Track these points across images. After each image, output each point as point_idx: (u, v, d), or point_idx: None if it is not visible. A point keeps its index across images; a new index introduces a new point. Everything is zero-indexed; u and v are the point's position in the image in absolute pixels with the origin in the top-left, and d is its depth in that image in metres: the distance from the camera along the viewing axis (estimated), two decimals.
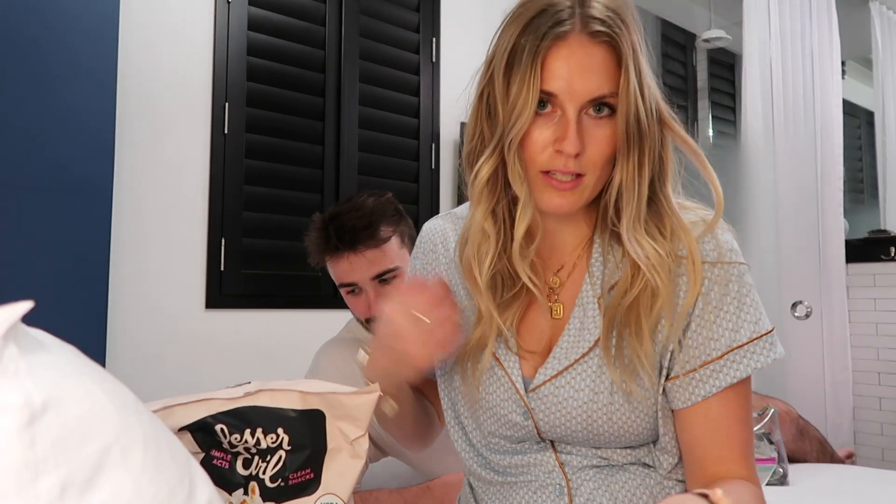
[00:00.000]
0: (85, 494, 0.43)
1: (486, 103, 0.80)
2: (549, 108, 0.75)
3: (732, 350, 0.77)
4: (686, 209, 0.82)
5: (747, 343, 0.77)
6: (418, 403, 0.97)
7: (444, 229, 0.96)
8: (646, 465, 0.83)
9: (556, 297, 0.86)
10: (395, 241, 1.43)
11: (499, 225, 0.81)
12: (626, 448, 0.83)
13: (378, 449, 1.49)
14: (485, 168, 0.78)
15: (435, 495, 1.32)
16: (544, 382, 0.82)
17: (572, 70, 0.73)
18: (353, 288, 1.44)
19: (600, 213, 0.83)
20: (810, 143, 3.02)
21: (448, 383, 0.93)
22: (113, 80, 1.74)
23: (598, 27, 0.73)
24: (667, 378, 0.79)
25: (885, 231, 3.38)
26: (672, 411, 0.81)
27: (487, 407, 0.86)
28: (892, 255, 3.04)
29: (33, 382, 0.43)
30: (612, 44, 0.74)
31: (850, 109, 3.81)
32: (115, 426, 0.47)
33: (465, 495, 0.98)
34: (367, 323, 1.46)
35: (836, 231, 3.03)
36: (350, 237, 1.40)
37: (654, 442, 0.83)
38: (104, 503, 0.44)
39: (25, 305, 0.45)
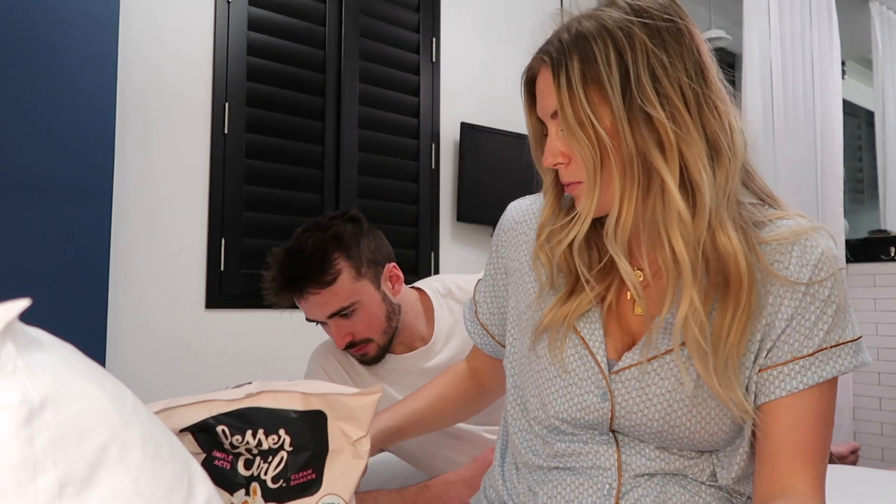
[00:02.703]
0: (83, 492, 0.43)
1: None
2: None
3: (822, 350, 0.79)
4: (785, 217, 0.83)
5: (835, 346, 0.79)
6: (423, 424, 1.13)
7: (529, 208, 0.98)
8: (702, 482, 0.83)
9: (637, 294, 0.85)
10: (346, 276, 1.35)
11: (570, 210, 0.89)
12: (694, 451, 0.82)
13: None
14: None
15: (434, 494, 1.32)
16: (630, 366, 0.82)
17: (539, 94, 0.84)
18: (316, 322, 1.43)
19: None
20: (810, 143, 3.02)
21: (518, 358, 0.94)
22: (113, 79, 1.74)
23: (544, 55, 0.81)
24: (759, 370, 0.80)
25: (885, 231, 3.38)
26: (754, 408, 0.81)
27: (563, 385, 0.86)
28: (892, 255, 3.04)
29: (31, 380, 0.43)
30: (552, 66, 0.80)
31: (850, 109, 3.81)
32: (114, 424, 0.47)
33: (493, 478, 0.98)
34: (345, 350, 1.45)
35: (836, 231, 3.03)
36: (298, 286, 1.35)
37: (721, 450, 0.83)
38: (102, 501, 0.44)
39: (23, 303, 0.45)
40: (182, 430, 0.85)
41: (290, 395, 0.87)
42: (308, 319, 1.44)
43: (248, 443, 0.85)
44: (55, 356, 0.48)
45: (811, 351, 0.78)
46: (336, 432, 0.86)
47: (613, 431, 0.85)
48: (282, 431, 0.85)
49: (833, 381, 0.79)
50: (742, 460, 0.82)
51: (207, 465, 0.86)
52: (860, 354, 0.80)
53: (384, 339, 1.43)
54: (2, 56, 1.56)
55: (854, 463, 2.27)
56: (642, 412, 0.81)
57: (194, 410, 0.86)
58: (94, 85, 1.70)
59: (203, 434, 0.86)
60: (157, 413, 0.84)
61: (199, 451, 0.86)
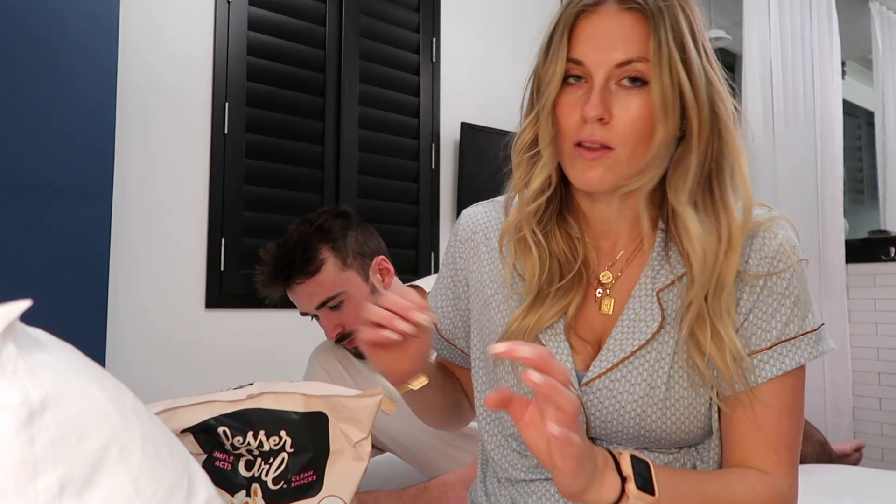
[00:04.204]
0: (83, 493, 0.43)
1: (534, 79, 0.83)
2: (581, 80, 0.77)
3: (781, 343, 0.78)
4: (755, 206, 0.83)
5: (794, 337, 0.78)
6: (446, 383, 0.99)
7: (485, 216, 0.95)
8: None
9: (606, 291, 0.84)
10: (331, 266, 1.40)
11: (542, 187, 0.83)
12: (671, 448, 0.82)
13: (375, 447, 1.49)
14: (525, 133, 0.82)
15: (433, 495, 1.32)
16: (599, 375, 0.81)
17: (598, 37, 0.76)
18: (310, 315, 1.46)
19: (658, 203, 0.83)
20: (810, 143, 3.01)
21: (486, 373, 0.91)
22: (113, 79, 1.74)
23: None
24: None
25: (885, 231, 3.38)
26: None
27: None
28: (892, 255, 3.04)
29: (32, 381, 0.43)
30: (643, 12, 0.75)
31: (850, 109, 3.80)
32: (114, 425, 0.47)
33: (476, 492, 0.96)
34: (337, 343, 1.47)
35: (836, 231, 3.03)
36: (284, 276, 1.40)
37: (699, 444, 0.83)
38: (103, 502, 0.44)
39: (23, 304, 0.45)
40: (183, 431, 0.85)
41: (292, 396, 0.87)
42: (301, 314, 1.46)
43: (249, 444, 0.85)
44: (56, 357, 0.48)
45: (769, 344, 0.78)
46: (337, 434, 0.86)
47: (592, 438, 0.84)
48: (283, 433, 0.85)
49: (798, 371, 0.79)
50: (720, 452, 0.82)
51: (208, 465, 0.86)
52: (822, 343, 0.79)
53: None
54: (2, 56, 1.56)
55: (858, 461, 2.27)
56: (616, 420, 0.80)
57: (195, 411, 0.86)
58: (94, 85, 1.70)
59: (204, 435, 0.86)
60: (158, 414, 0.84)
61: (201, 451, 0.86)
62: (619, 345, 0.81)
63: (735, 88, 0.81)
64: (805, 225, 2.99)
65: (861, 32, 3.69)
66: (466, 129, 2.78)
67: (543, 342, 0.84)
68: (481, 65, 2.93)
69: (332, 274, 1.40)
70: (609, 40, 0.75)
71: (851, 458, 2.24)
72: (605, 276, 0.85)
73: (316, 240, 1.41)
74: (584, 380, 0.81)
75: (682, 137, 0.77)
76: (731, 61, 4.10)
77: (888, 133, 3.64)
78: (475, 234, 0.94)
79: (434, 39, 2.80)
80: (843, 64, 3.33)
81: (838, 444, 2.25)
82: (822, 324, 0.81)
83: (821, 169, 3.03)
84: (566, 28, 0.77)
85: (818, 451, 2.11)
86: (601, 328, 0.83)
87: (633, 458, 0.70)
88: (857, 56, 4.02)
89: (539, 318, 0.83)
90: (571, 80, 0.78)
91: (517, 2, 3.06)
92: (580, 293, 0.84)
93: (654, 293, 0.81)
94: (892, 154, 3.63)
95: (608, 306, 0.84)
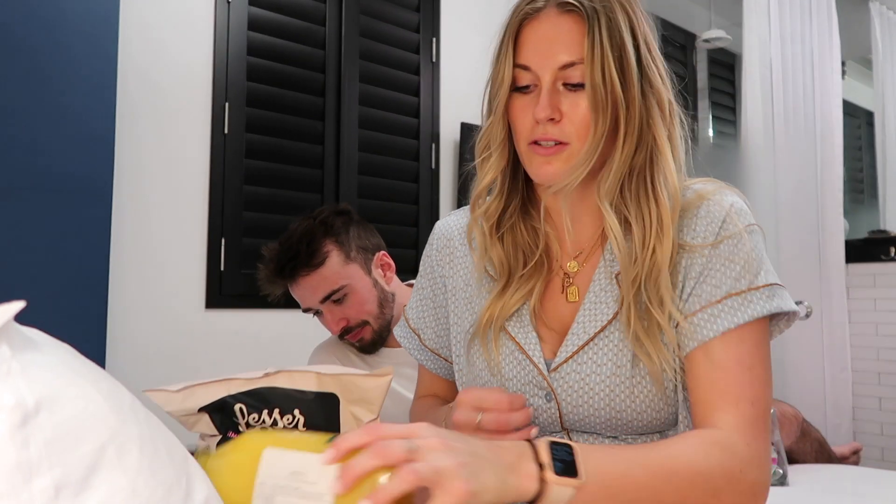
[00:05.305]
0: (80, 495, 0.43)
1: (491, 84, 0.89)
2: (530, 87, 0.82)
3: (731, 296, 0.79)
4: (696, 181, 0.87)
5: (745, 292, 0.79)
6: None
7: (457, 222, 0.99)
8: None
9: (570, 280, 0.87)
10: (334, 260, 1.42)
11: (502, 185, 0.89)
12: (644, 434, 0.83)
13: None
14: (484, 135, 0.89)
15: None
16: (566, 360, 0.83)
17: (540, 41, 0.81)
18: (312, 311, 1.47)
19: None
20: (810, 143, 3.01)
21: (465, 373, 0.93)
22: (113, 80, 1.74)
23: (574, 2, 0.79)
24: (675, 325, 0.81)
25: (885, 231, 3.37)
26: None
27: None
28: (892, 255, 3.04)
29: (26, 382, 0.43)
30: (581, 15, 0.79)
31: (850, 109, 3.80)
32: (111, 426, 0.47)
33: None
34: (340, 338, 1.49)
35: (836, 231, 3.03)
36: (289, 270, 1.43)
37: (671, 429, 0.84)
38: (100, 503, 0.44)
39: (17, 305, 0.44)
40: (200, 410, 0.88)
41: (306, 375, 0.90)
42: (304, 310, 1.47)
43: (264, 421, 0.88)
44: (51, 357, 0.48)
45: (719, 298, 0.79)
46: (348, 416, 0.89)
47: (567, 430, 0.86)
48: (296, 411, 0.88)
49: (754, 328, 0.78)
50: None
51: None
52: (774, 300, 0.79)
53: (378, 323, 1.46)
54: (2, 49, 1.56)
55: (856, 464, 2.27)
56: (587, 404, 0.82)
57: (214, 389, 0.89)
58: (94, 85, 1.70)
59: (219, 415, 0.89)
60: (178, 391, 0.87)
61: (215, 432, 0.89)
62: (582, 328, 0.83)
63: (674, 80, 0.85)
64: (805, 225, 2.98)
65: (861, 32, 3.68)
66: (466, 129, 2.78)
67: (511, 332, 0.87)
68: (481, 65, 2.92)
69: (336, 267, 1.42)
70: (551, 44, 0.80)
71: (849, 460, 2.24)
72: (572, 266, 0.88)
73: (320, 234, 1.43)
74: (553, 366, 0.84)
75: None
76: (731, 61, 4.10)
77: (888, 133, 3.64)
78: (451, 240, 0.98)
79: (434, 39, 2.80)
80: (843, 64, 3.32)
81: (836, 447, 2.25)
82: (778, 283, 0.81)
83: (821, 169, 3.02)
84: (511, 35, 0.82)
85: (817, 449, 2.11)
86: (569, 316, 0.86)
87: (553, 443, 0.65)
88: (857, 56, 4.01)
89: (503, 305, 0.86)
90: (522, 88, 0.83)
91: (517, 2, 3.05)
92: (542, 280, 0.87)
93: (613, 276, 0.84)
94: (892, 154, 3.62)
95: (574, 294, 0.87)
